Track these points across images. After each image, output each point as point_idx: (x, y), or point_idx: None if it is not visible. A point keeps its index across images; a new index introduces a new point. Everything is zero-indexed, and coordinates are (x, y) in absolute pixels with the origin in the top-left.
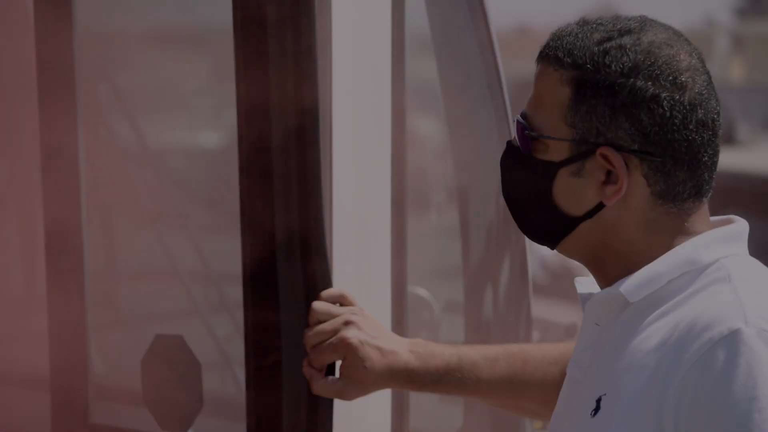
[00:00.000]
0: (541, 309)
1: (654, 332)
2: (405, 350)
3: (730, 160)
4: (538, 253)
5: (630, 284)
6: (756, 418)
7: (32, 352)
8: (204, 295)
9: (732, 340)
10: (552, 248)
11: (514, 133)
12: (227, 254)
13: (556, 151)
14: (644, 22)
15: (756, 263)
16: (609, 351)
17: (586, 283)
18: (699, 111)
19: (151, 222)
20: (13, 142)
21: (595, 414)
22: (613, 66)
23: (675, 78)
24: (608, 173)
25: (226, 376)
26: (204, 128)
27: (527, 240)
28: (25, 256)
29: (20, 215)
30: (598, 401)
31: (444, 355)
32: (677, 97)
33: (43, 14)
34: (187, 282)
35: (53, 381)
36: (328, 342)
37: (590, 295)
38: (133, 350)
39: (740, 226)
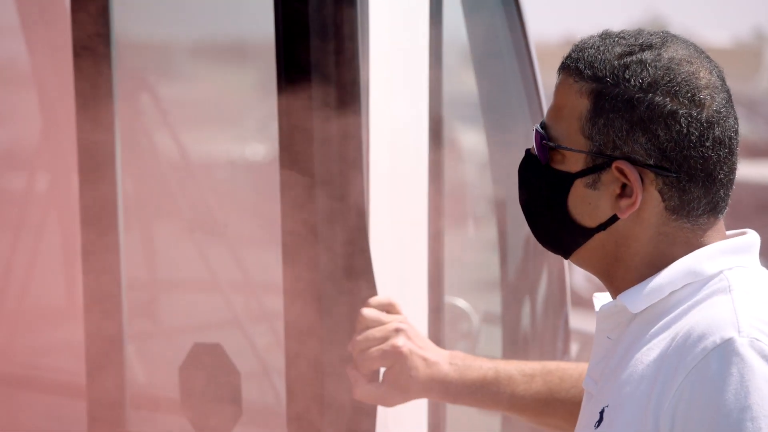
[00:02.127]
0: (584, 321)
1: (655, 344)
2: (445, 362)
3: None
4: None
5: (632, 296)
6: (748, 427)
7: (70, 360)
8: (245, 305)
9: (724, 349)
10: (565, 258)
11: (533, 143)
12: (268, 264)
13: (572, 162)
14: (666, 38)
15: (765, 275)
16: (615, 363)
17: (603, 298)
18: (716, 129)
19: (191, 232)
20: (52, 152)
21: (598, 425)
22: (632, 80)
23: (693, 95)
24: (623, 186)
25: (265, 385)
26: (249, 140)
27: None
28: (64, 265)
29: (58, 225)
30: (602, 413)
31: (481, 368)
32: (695, 114)
33: (81, 24)
34: (227, 292)
35: (90, 389)
36: (377, 348)
37: None
38: (172, 359)
39: (750, 238)
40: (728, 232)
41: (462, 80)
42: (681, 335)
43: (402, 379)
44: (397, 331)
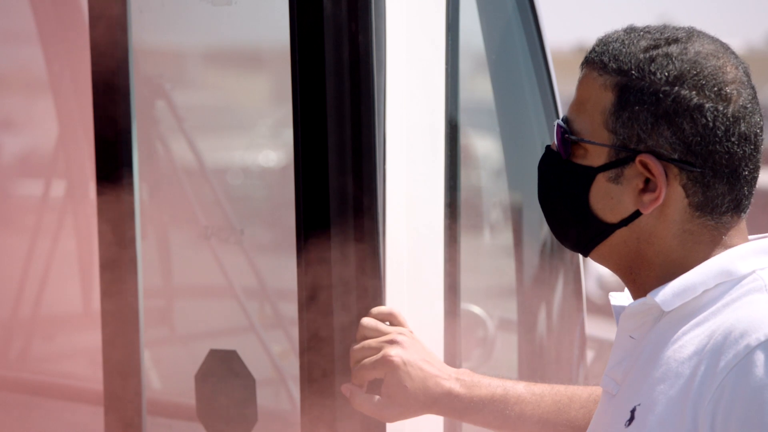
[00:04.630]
0: (597, 327)
1: (689, 341)
2: (450, 377)
3: None
4: (595, 273)
5: (664, 293)
6: None
7: (87, 367)
8: (260, 312)
9: None
10: (585, 255)
11: (554, 138)
12: (283, 271)
13: (595, 156)
14: (692, 33)
15: None
16: (643, 362)
17: (621, 297)
18: (742, 124)
19: (207, 238)
20: (69, 159)
21: (629, 424)
22: (658, 74)
23: (720, 89)
24: (647, 181)
25: (280, 392)
26: (264, 147)
27: (582, 258)
28: (81, 272)
29: (75, 231)
30: (633, 411)
31: (490, 385)
32: (721, 108)
33: (99, 32)
34: (243, 299)
35: (107, 396)
36: (370, 358)
37: (623, 307)
38: (188, 366)
39: None
40: (750, 237)
41: (478, 87)
42: (720, 333)
43: (396, 391)
44: (392, 342)
